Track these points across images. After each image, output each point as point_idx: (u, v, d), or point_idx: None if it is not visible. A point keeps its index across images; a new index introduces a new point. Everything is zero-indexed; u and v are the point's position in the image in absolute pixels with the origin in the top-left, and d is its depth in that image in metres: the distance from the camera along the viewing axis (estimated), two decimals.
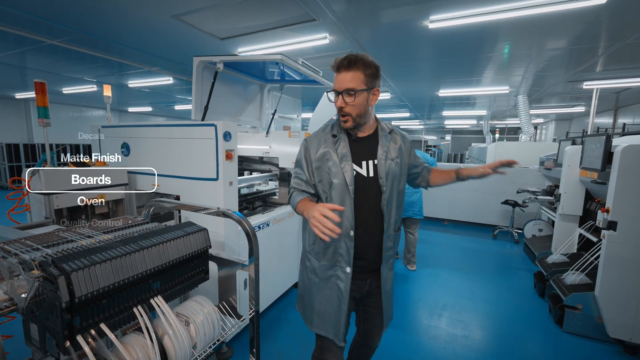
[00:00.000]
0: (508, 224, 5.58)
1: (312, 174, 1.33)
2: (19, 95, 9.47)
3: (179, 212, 2.00)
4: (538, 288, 3.38)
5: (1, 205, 8.05)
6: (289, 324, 2.60)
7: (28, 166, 10.03)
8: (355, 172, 1.28)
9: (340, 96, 1.23)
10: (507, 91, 7.00)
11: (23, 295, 0.98)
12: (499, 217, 5.87)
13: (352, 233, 1.26)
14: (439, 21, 3.35)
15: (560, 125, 13.14)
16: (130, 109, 12.07)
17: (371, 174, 1.31)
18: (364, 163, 1.31)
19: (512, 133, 18.00)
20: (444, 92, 7.42)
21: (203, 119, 2.23)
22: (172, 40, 4.25)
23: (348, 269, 1.28)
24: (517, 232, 5.30)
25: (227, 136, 1.85)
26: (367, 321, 1.48)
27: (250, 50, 4.46)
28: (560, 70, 5.54)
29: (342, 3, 3.03)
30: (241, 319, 1.34)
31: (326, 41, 3.96)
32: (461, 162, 16.58)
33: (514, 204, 5.24)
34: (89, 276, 0.90)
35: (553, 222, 4.30)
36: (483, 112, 11.11)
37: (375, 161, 1.31)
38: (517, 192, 5.09)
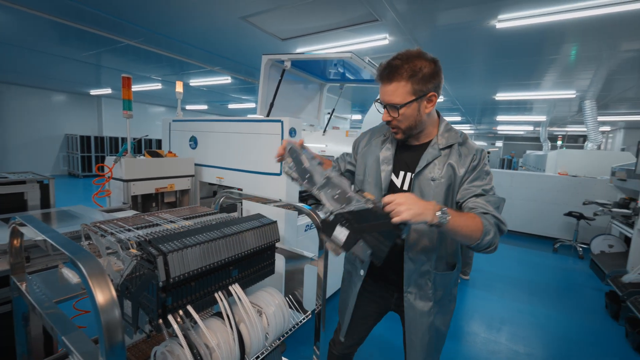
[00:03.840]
0: (570, 238, 5.14)
1: (354, 166, 1.38)
2: (93, 92, 10.53)
3: (241, 204, 2.07)
4: (611, 309, 3.08)
5: (79, 190, 8.98)
6: None
7: (97, 157, 11.19)
8: (390, 181, 1.20)
9: (385, 109, 1.11)
10: (574, 96, 6.48)
11: (117, 272, 1.05)
12: (559, 229, 5.42)
13: None
14: (508, 20, 3.19)
15: (630, 134, 11.95)
16: (188, 107, 12.91)
17: (405, 187, 1.17)
18: (401, 173, 1.19)
19: (572, 141, 16.61)
20: (501, 96, 7.04)
21: (268, 115, 2.29)
22: (235, 41, 4.46)
23: (362, 272, 1.26)
24: (581, 247, 4.87)
25: (292, 132, 1.88)
26: (405, 343, 1.33)
27: (309, 50, 4.56)
28: (635, 74, 5.04)
29: (406, 2, 2.98)
30: (306, 313, 1.34)
31: (385, 42, 3.92)
32: (509, 168, 15.58)
33: (579, 216, 4.82)
34: (181, 258, 0.94)
35: (627, 238, 3.97)
36: (542, 118, 10.31)
37: (413, 175, 1.16)
38: (584, 204, 4.67)
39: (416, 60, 1.05)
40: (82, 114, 11.34)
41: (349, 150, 2.86)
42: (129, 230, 1.14)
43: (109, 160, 2.06)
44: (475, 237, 1.00)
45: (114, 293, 0.70)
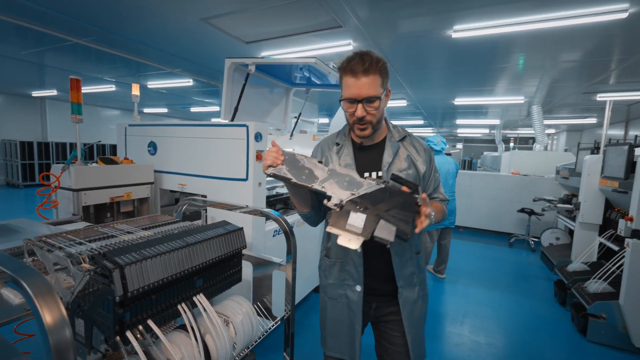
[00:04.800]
0: (524, 232, 5.55)
1: None
2: (35, 94, 9.60)
3: (206, 211, 1.99)
4: (559, 296, 3.35)
5: (20, 202, 8.12)
6: (311, 329, 2.58)
7: (41, 165, 10.21)
8: None
9: (359, 104, 1.07)
10: (522, 101, 7.09)
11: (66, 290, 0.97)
12: (514, 225, 5.84)
13: (359, 250, 1.13)
14: (462, 31, 3.43)
15: (572, 136, 13.32)
16: (146, 110, 12.18)
17: None
18: (366, 175, 1.18)
19: (523, 143, 18.04)
20: (459, 101, 7.54)
21: (232, 120, 2.24)
22: (197, 43, 4.32)
23: (358, 288, 1.18)
24: (533, 241, 5.27)
25: (258, 137, 1.85)
26: (386, 354, 1.29)
27: (274, 54, 4.52)
28: (573, 82, 5.61)
29: (368, 10, 3.08)
30: (275, 320, 1.32)
31: (350, 47, 4.02)
32: (470, 169, 16.56)
33: (530, 212, 5.22)
34: (140, 271, 0.89)
35: (571, 230, 4.32)
36: (496, 122, 11.13)
37: (380, 173, 1.16)
38: (534, 201, 5.07)
39: (380, 58, 1.08)
40: (22, 118, 10.14)
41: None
42: (80, 243, 1.06)
43: (56, 168, 1.89)
44: (440, 221, 1.21)
45: (63, 311, 0.65)
